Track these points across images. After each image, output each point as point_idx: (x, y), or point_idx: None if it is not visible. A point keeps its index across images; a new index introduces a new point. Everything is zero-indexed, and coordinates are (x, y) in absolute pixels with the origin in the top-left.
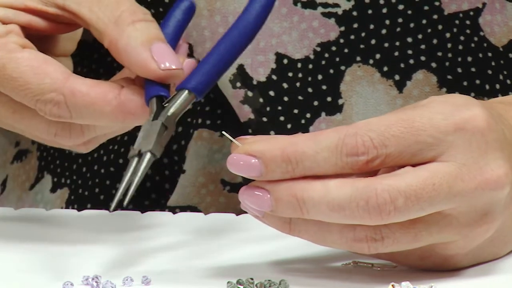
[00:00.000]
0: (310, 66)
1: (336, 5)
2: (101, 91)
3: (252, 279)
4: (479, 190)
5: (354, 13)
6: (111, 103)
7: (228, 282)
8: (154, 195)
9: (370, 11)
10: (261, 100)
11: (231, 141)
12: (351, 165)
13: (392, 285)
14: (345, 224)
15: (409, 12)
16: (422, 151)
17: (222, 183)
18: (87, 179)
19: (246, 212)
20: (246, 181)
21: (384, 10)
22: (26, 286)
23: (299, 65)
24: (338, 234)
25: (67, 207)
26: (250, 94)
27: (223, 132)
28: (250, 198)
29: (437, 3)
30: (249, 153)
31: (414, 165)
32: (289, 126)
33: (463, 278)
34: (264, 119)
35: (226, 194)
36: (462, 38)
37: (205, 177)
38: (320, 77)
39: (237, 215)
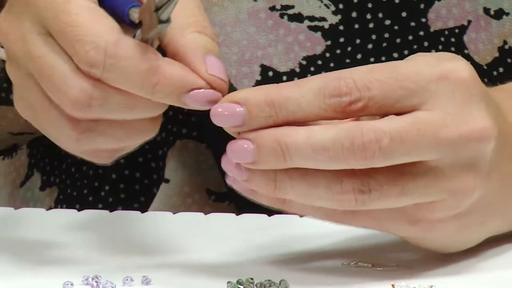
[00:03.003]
0: (296, 79)
1: (323, 19)
2: (144, 49)
3: (252, 279)
4: (464, 139)
5: (341, 27)
6: (149, 62)
7: (228, 282)
8: (143, 198)
9: (356, 26)
10: None
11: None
12: (334, 107)
13: (392, 285)
14: (332, 177)
15: (396, 27)
16: (406, 97)
17: (207, 193)
18: (76, 180)
19: (245, 213)
20: (232, 189)
21: (371, 25)
22: (26, 286)
23: (284, 77)
24: (325, 188)
25: (55, 206)
26: None
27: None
28: (232, 152)
29: (423, 20)
30: (234, 101)
31: (397, 114)
32: None
33: (463, 278)
34: None
35: (212, 203)
36: None
37: (191, 186)
38: None
39: (237, 215)
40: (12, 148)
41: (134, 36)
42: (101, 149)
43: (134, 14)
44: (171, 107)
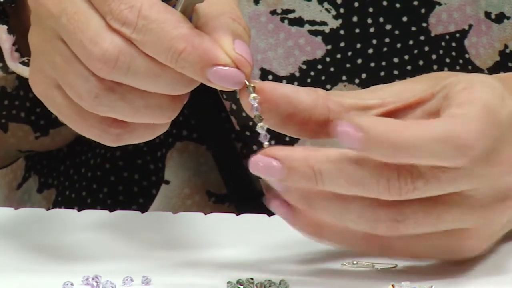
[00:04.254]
0: (295, 83)
1: (323, 23)
2: (177, 17)
3: (252, 279)
4: (501, 173)
5: (341, 32)
6: (180, 29)
7: (228, 282)
8: (141, 200)
9: (357, 30)
10: (243, 114)
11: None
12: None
13: (392, 285)
14: (366, 204)
15: (396, 32)
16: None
17: (207, 194)
18: (74, 182)
19: (250, 211)
20: (231, 192)
21: (372, 30)
22: (26, 286)
23: (284, 82)
24: (358, 213)
25: (54, 209)
26: (234, 107)
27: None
28: (257, 167)
29: (424, 24)
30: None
31: None
32: (273, 142)
33: (463, 278)
34: (247, 133)
35: (212, 205)
36: (448, 60)
37: (191, 188)
38: None
39: (237, 215)
40: None
41: (173, 6)
42: (111, 123)
43: None
44: None
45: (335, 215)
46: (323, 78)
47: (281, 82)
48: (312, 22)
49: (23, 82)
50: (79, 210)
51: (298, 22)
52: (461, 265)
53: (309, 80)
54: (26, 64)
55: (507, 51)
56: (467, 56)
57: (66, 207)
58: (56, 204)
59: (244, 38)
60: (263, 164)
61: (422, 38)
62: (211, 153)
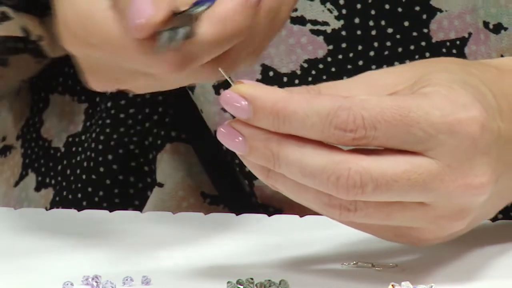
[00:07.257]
0: (296, 81)
1: (326, 23)
2: None
3: (252, 279)
4: (459, 191)
5: (343, 33)
6: None
7: (228, 282)
8: (137, 202)
9: (359, 32)
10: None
11: (228, 79)
12: (337, 138)
13: (392, 285)
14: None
15: (398, 36)
16: (411, 142)
17: (202, 196)
18: (71, 183)
19: (245, 213)
20: (224, 193)
21: (373, 32)
22: (26, 286)
23: (285, 79)
24: (314, 195)
25: (51, 208)
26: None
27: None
28: (223, 138)
29: (425, 30)
30: (242, 94)
31: (400, 150)
32: None
33: (463, 278)
34: None
35: (207, 206)
36: None
37: (185, 190)
38: None
39: (237, 215)
40: (6, 148)
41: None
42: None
43: None
44: (156, 111)
45: (292, 191)
46: (324, 77)
47: (283, 78)
48: (314, 22)
49: None
50: (78, 210)
51: (300, 21)
52: (461, 265)
53: (310, 79)
54: None
55: None
56: None
57: (63, 208)
58: (54, 204)
59: None
60: (226, 137)
61: (423, 43)
62: (197, 155)
